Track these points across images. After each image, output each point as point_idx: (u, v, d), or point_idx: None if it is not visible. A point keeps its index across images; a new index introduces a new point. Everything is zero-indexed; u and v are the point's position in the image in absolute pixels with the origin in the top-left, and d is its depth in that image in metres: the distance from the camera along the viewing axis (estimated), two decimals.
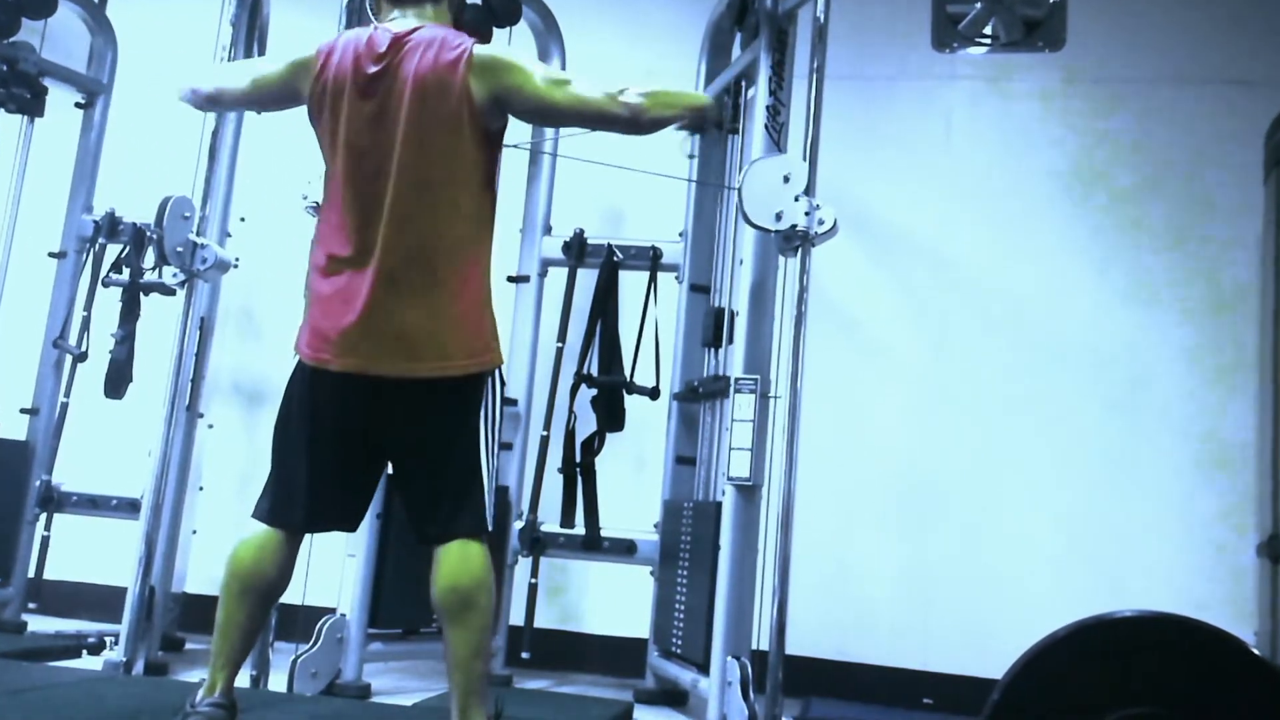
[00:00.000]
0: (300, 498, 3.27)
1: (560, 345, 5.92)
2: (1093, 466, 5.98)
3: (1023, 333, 6.16)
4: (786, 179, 4.56)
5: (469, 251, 3.27)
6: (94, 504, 5.93)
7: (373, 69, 3.27)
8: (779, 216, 4.54)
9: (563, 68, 6.07)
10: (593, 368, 5.77)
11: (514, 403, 5.89)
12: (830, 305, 6.13)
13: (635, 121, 3.38)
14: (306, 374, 3.28)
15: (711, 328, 5.60)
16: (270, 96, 3.52)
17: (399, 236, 3.20)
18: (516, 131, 3.52)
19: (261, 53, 5.84)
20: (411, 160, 3.22)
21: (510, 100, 3.28)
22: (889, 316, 6.36)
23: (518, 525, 5.76)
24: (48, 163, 6.38)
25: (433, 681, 5.38)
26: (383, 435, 3.27)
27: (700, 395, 5.67)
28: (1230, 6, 6.28)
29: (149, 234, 5.39)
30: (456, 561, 3.18)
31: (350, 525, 3.45)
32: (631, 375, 5.74)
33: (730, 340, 5.28)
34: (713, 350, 5.67)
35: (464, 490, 3.23)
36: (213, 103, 3.79)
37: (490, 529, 3.25)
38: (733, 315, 5.31)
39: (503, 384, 3.36)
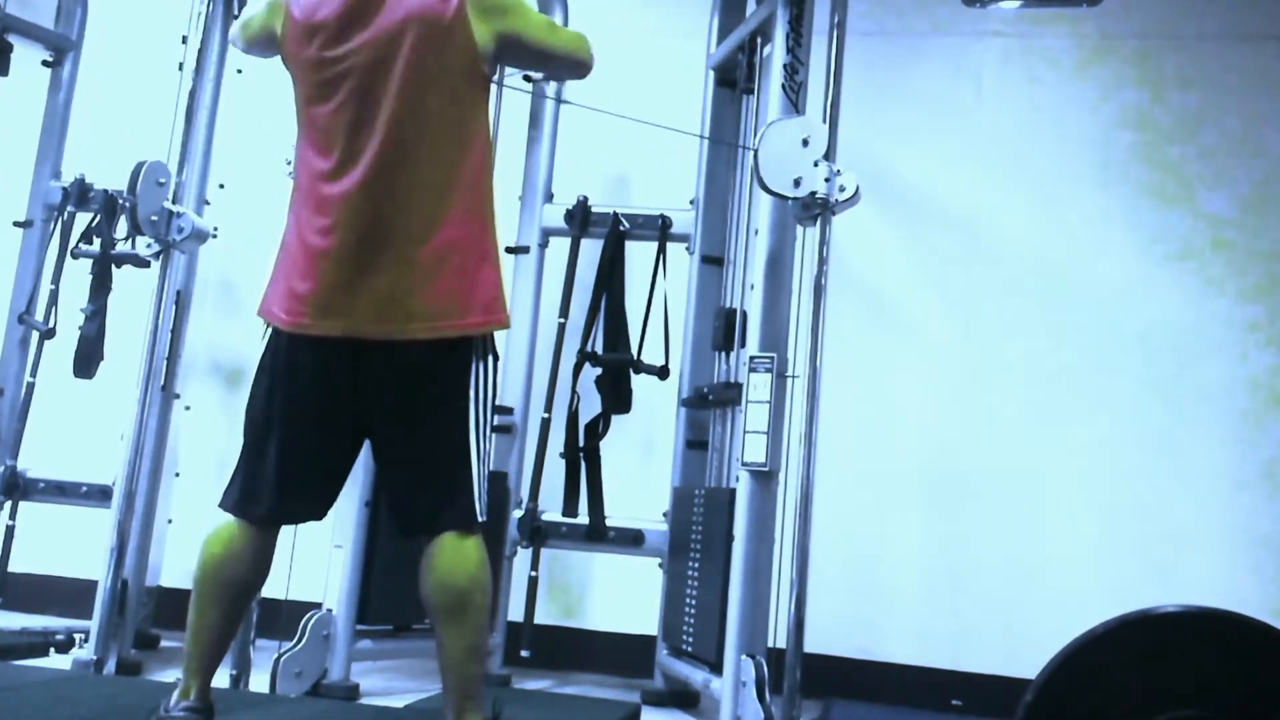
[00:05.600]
0: (270, 486, 3.23)
1: (562, 321, 5.91)
2: (1136, 451, 5.96)
3: (1060, 307, 6.14)
4: (806, 142, 4.54)
5: (462, 207, 3.23)
6: (62, 491, 5.90)
7: (356, 9, 3.25)
8: (797, 183, 4.53)
9: (564, 23, 6.06)
10: (597, 345, 5.76)
11: (509, 411, 5.87)
12: (852, 278, 6.12)
13: (589, 69, 3.53)
14: (283, 342, 3.25)
15: (722, 330, 5.58)
16: (258, 41, 3.51)
17: (385, 191, 3.18)
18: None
19: (238, 12, 5.83)
20: (401, 109, 3.20)
21: (513, 44, 3.29)
22: (915, 290, 6.34)
23: (517, 514, 5.76)
24: (12, 125, 6.37)
25: (425, 681, 5.38)
26: (365, 408, 3.21)
27: (710, 403, 5.66)
28: None
29: (121, 201, 5.39)
30: (449, 556, 3.17)
31: (319, 514, 3.40)
32: (639, 353, 5.72)
33: (743, 344, 5.27)
34: (723, 355, 5.66)
35: (450, 473, 3.19)
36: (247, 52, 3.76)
37: (483, 518, 3.22)
38: (744, 316, 5.30)
39: (495, 357, 3.32)
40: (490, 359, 3.29)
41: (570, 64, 3.50)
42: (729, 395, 5.38)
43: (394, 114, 3.20)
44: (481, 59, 3.25)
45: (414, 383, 3.19)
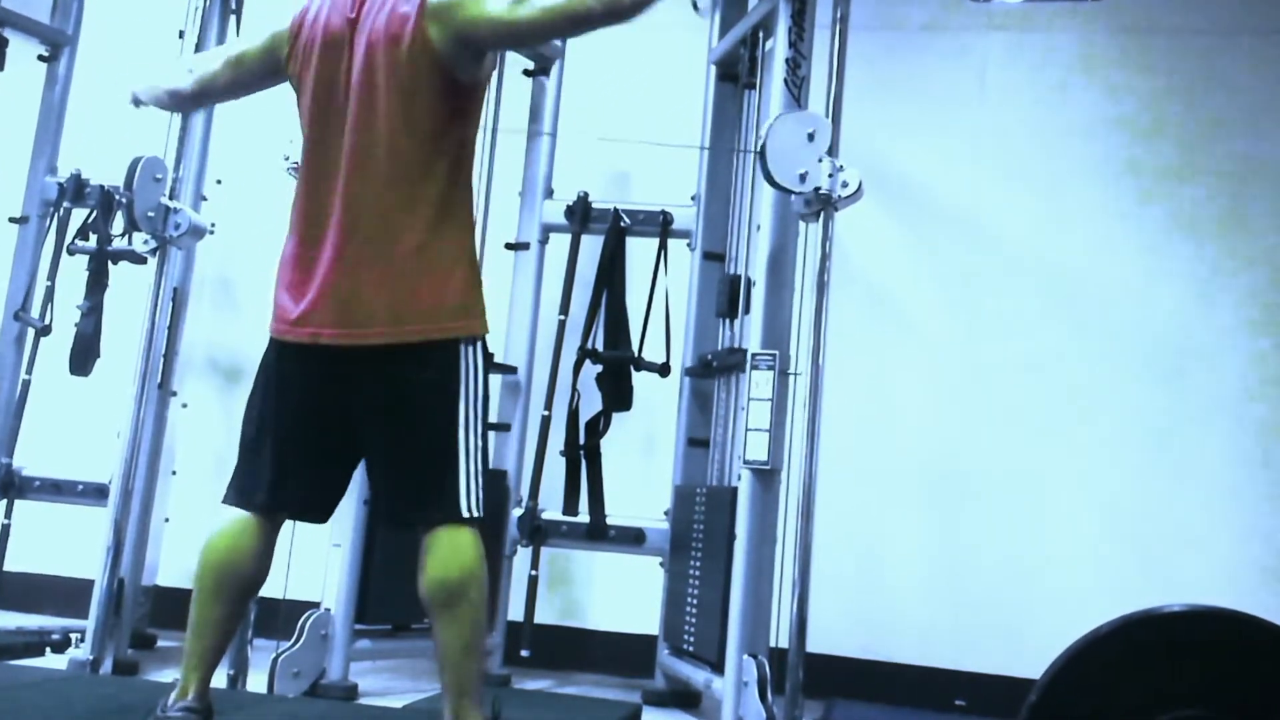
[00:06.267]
0: (266, 477, 3.29)
1: (563, 318, 5.91)
2: (1140, 450, 5.97)
3: (1063, 305, 6.15)
4: (811, 137, 4.55)
5: (434, 213, 3.26)
6: (58, 490, 5.90)
7: (337, 30, 3.33)
8: (803, 178, 4.53)
9: None
10: (598, 342, 5.76)
11: (513, 370, 5.88)
12: (854, 275, 6.12)
13: (615, 10, 3.18)
14: (274, 349, 3.35)
15: (726, 296, 5.58)
16: (254, 74, 3.58)
17: (354, 203, 3.25)
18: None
19: (235, 7, 5.85)
20: (366, 121, 3.26)
21: (474, 35, 3.26)
22: (918, 287, 6.35)
23: (517, 512, 5.76)
24: (8, 120, 6.37)
25: (424, 682, 5.38)
26: (349, 412, 3.27)
27: (715, 370, 5.65)
28: None
29: (118, 197, 5.39)
30: (445, 551, 3.18)
31: (319, 515, 3.44)
32: (640, 350, 5.73)
33: (747, 310, 5.27)
34: (728, 321, 5.65)
35: (434, 470, 3.22)
36: (199, 100, 3.99)
37: (474, 514, 3.22)
38: (749, 283, 5.30)
39: (488, 356, 3.34)
40: (476, 358, 3.30)
41: (556, 28, 3.34)
42: (733, 360, 5.36)
43: (363, 132, 3.26)
44: (444, 62, 3.26)
45: (390, 386, 3.24)
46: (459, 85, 3.30)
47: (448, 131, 3.30)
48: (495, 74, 5.68)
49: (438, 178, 3.28)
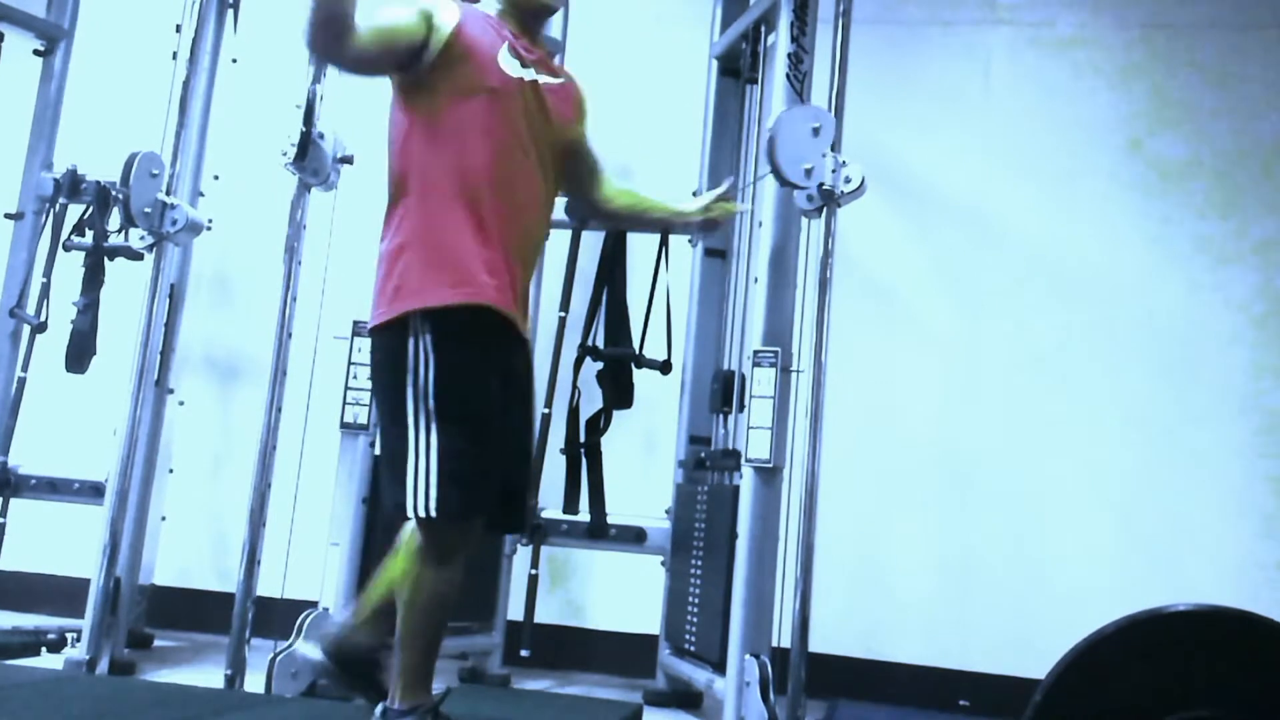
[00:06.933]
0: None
1: (563, 315, 5.89)
2: (1146, 447, 5.96)
3: (1069, 299, 6.14)
4: (816, 131, 4.54)
5: (402, 209, 3.36)
6: (54, 488, 5.90)
7: None
8: (808, 173, 4.52)
9: (565, 15, 6.07)
10: (598, 339, 5.75)
11: None
12: (858, 271, 6.12)
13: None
14: None
15: (720, 393, 5.59)
16: None
17: None
18: None
19: (233, 1, 5.86)
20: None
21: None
22: (922, 283, 6.34)
23: None
24: (3, 115, 6.36)
25: None
26: None
27: (709, 469, 5.62)
28: None
29: (114, 193, 5.39)
30: (401, 550, 3.36)
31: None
32: (640, 348, 5.71)
33: (741, 407, 5.25)
34: (722, 417, 5.65)
35: (386, 462, 3.33)
36: None
37: (425, 515, 3.19)
38: (744, 379, 5.30)
39: (437, 340, 3.26)
40: (423, 343, 3.25)
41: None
42: (727, 464, 5.32)
43: None
44: (395, 69, 3.41)
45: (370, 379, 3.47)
46: (412, 83, 3.39)
47: (413, 131, 3.40)
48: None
49: (399, 172, 3.39)
